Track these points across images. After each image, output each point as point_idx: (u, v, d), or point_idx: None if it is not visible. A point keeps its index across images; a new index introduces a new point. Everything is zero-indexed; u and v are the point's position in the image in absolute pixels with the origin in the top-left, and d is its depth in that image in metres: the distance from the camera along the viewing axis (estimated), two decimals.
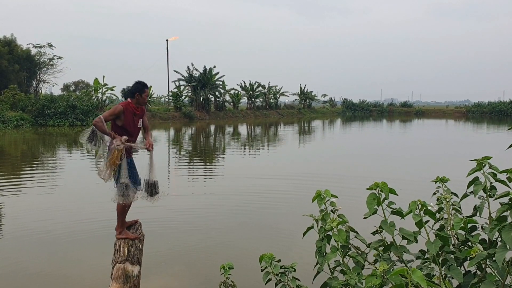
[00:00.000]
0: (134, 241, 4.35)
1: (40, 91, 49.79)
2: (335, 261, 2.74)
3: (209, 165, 16.65)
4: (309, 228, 2.91)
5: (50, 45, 47.94)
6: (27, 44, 48.83)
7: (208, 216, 8.75)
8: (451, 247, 2.61)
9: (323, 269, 2.69)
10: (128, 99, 4.66)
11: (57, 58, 49.00)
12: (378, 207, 2.54)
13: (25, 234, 7.55)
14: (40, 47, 47.77)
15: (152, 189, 4.59)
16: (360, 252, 2.70)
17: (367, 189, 2.54)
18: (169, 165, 16.61)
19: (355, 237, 2.74)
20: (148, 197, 4.57)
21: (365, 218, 2.65)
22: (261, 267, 3.04)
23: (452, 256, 2.56)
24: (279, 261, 3.07)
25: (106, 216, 8.47)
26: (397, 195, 2.52)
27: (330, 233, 2.66)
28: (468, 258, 2.49)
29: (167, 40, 56.48)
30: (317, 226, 2.83)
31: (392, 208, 2.54)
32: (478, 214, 2.68)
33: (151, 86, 48.80)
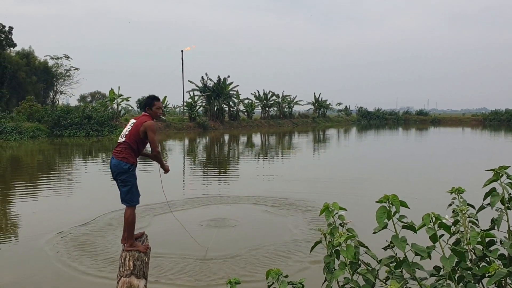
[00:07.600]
0: (140, 254, 4.26)
1: (57, 102, 50.58)
2: (344, 278, 2.60)
3: (223, 173, 16.57)
4: (317, 243, 2.78)
5: (67, 57, 48.84)
6: (45, 56, 49.80)
7: (219, 225, 8.60)
8: (468, 263, 2.46)
9: (331, 287, 2.56)
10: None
11: (74, 69, 49.88)
12: (388, 221, 2.40)
13: (30, 244, 7.52)
14: (57, 58, 48.68)
15: None
16: (370, 268, 2.56)
17: (376, 202, 2.40)
18: (184, 172, 16.62)
19: (365, 252, 2.60)
20: None
21: (374, 233, 2.51)
22: (268, 283, 2.92)
23: (469, 272, 2.40)
24: (286, 276, 2.95)
25: (111, 228, 8.40)
26: (409, 208, 2.38)
27: (338, 248, 2.52)
28: (487, 275, 2.33)
29: (182, 51, 57.02)
30: (325, 241, 2.70)
31: (403, 222, 2.40)
32: (496, 227, 2.53)
33: (165, 97, 49.24)
